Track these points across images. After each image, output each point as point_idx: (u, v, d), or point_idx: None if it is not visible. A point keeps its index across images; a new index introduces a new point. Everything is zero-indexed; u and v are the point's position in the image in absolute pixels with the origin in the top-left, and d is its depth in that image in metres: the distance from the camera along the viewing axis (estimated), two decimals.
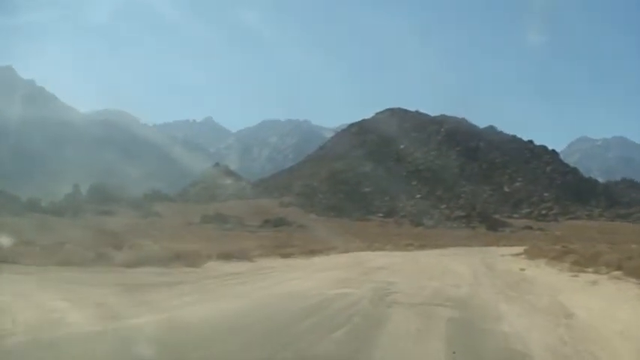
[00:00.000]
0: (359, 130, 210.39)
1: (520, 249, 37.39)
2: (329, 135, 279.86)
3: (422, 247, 49.17)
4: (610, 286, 11.49)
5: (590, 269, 15.20)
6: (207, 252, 21.08)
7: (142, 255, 17.37)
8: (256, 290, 11.05)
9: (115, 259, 16.35)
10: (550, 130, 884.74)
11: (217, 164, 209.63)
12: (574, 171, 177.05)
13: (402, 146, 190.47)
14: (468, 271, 18.06)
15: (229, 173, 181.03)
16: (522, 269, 17.92)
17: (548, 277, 14.46)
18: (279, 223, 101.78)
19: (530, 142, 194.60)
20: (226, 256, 20.50)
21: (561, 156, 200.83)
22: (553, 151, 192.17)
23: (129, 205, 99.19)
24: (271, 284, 12.53)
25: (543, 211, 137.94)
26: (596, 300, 9.43)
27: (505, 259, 27.27)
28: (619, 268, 13.87)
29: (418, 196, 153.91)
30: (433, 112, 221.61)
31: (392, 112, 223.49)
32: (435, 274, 16.55)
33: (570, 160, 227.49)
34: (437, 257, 29.59)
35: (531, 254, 27.71)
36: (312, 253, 30.66)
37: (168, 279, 12.64)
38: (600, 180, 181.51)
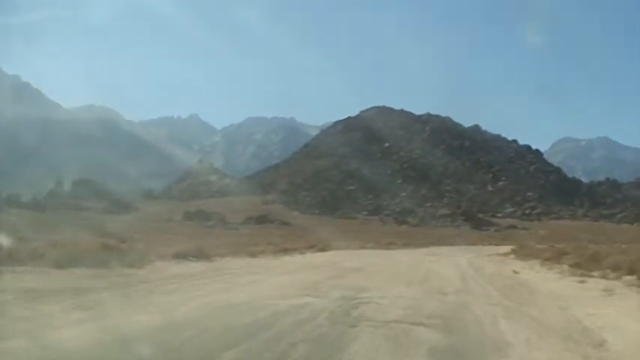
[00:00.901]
0: (344, 127, 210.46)
1: (507, 248, 36.13)
2: (314, 132, 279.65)
3: (405, 245, 47.48)
4: (633, 296, 9.37)
5: (595, 273, 13.16)
6: (164, 250, 18.74)
7: (78, 254, 14.92)
8: (191, 300, 8.71)
9: (46, 256, 13.89)
10: (534, 130, 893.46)
11: (202, 161, 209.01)
12: (558, 171, 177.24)
13: (387, 144, 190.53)
14: (454, 273, 15.90)
15: (214, 170, 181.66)
16: (516, 272, 15.74)
17: (549, 283, 12.26)
18: (262, 220, 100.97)
19: (515, 141, 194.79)
20: (183, 255, 18.10)
21: (545, 156, 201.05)
22: (537, 150, 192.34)
23: (111, 202, 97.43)
24: (215, 291, 10.18)
25: (527, 211, 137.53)
26: (625, 318, 7.23)
27: (493, 259, 25.20)
28: (631, 272, 11.82)
29: (403, 194, 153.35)
30: (418, 110, 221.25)
31: (377, 109, 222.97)
32: (416, 277, 14.34)
33: (554, 160, 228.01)
34: (420, 257, 27.56)
35: (521, 254, 25.76)
36: (286, 251, 28.59)
37: (89, 283, 10.24)
38: (584, 180, 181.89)
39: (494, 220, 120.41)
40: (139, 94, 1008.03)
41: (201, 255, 19.14)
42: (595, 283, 11.45)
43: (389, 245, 46.01)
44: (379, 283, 12.46)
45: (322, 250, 32.65)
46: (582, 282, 11.92)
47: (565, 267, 15.55)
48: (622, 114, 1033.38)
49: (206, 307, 7.86)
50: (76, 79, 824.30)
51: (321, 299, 9.12)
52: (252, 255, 23.66)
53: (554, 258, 18.28)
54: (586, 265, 14.63)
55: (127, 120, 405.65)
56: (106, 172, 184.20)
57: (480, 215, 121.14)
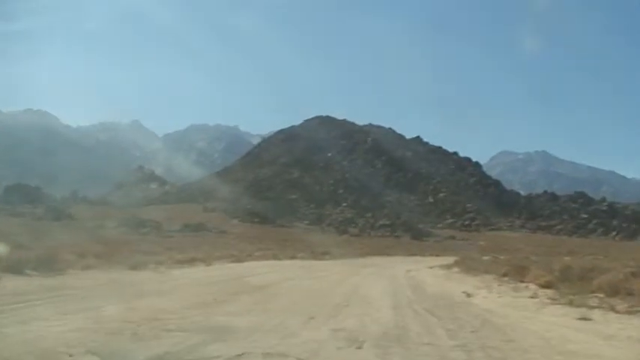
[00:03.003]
0: (287, 137, 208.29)
1: (449, 260, 33.19)
2: (257, 141, 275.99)
3: (340, 256, 43.47)
4: None
5: (590, 299, 9.05)
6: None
7: None
8: None
9: None
10: (474, 142, 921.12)
11: (141, 167, 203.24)
12: (496, 183, 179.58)
13: (329, 154, 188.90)
14: (386, 295, 11.64)
15: (154, 177, 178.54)
16: (468, 294, 11.46)
17: (533, 321, 7.70)
18: (198, 228, 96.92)
19: (455, 153, 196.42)
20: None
21: (484, 169, 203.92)
22: (477, 163, 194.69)
23: (44, 207, 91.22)
24: None
25: (466, 222, 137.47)
26: None
27: (436, 273, 21.17)
28: None
29: (344, 204, 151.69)
30: (361, 121, 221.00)
31: (320, 119, 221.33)
32: (331, 303, 9.90)
33: (492, 173, 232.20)
34: (352, 270, 23.51)
35: (466, 268, 21.93)
36: (193, 262, 23.81)
37: None
38: (522, 193, 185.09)
39: (435, 230, 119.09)
40: (79, 99, 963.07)
41: (51, 265, 14.02)
42: (609, 323, 7.20)
43: (323, 255, 41.82)
44: (267, 315, 7.92)
45: (240, 260, 28.01)
46: (584, 320, 7.48)
47: (533, 287, 11.58)
48: (560, 128, 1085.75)
49: None
50: (13, 82, 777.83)
51: None
52: (140, 266, 18.80)
53: (513, 274, 14.33)
54: (563, 285, 10.67)
55: (64, 125, 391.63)
56: (41, 177, 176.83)
57: (420, 226, 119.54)
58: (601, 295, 9.20)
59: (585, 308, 8.19)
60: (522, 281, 12.89)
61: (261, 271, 20.68)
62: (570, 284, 10.79)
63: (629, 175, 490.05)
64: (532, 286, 11.74)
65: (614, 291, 9.10)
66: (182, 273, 17.86)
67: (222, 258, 28.67)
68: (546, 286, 11.18)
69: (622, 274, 9.95)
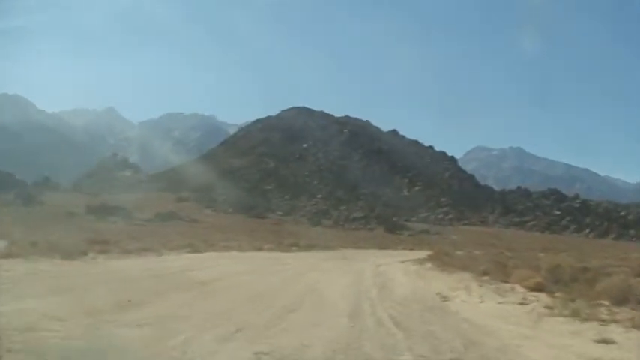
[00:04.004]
0: (264, 126, 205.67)
1: (422, 254, 31.61)
2: (234, 131, 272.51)
3: (309, 247, 41.71)
4: None
5: (593, 306, 7.29)
6: None
7: None
8: None
9: None
10: (449, 137, 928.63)
11: (115, 155, 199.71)
12: (471, 178, 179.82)
13: (305, 145, 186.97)
14: (347, 295, 9.77)
15: (128, 165, 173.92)
16: (443, 297, 9.60)
17: (536, 344, 5.57)
18: (169, 217, 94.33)
19: (431, 147, 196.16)
20: None
21: (459, 163, 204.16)
22: (452, 157, 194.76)
23: (14, 194, 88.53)
24: None
25: (440, 216, 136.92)
26: None
27: (407, 268, 19.38)
28: None
29: (319, 196, 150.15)
30: (338, 112, 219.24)
31: (297, 110, 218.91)
32: (275, 307, 7.96)
33: (467, 168, 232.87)
34: (316, 263, 21.72)
35: (441, 263, 20.22)
36: (143, 251, 21.98)
37: None
38: (495, 188, 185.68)
39: (409, 224, 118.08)
40: (54, 84, 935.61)
41: None
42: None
43: (290, 247, 39.93)
44: (180, 326, 5.94)
45: (199, 251, 25.86)
46: (613, 343, 5.40)
47: (520, 289, 9.82)
48: (535, 126, 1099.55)
49: None
50: None
51: None
52: (77, 256, 16.82)
53: (493, 272, 12.57)
54: (555, 287, 8.92)
55: (39, 110, 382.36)
56: (14, 163, 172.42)
57: (395, 219, 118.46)
58: (606, 303, 7.49)
59: (597, 323, 6.42)
60: (506, 281, 11.13)
61: (215, 263, 18.72)
62: (565, 287, 9.08)
63: (603, 173, 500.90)
64: (519, 289, 9.98)
65: (622, 298, 7.40)
66: (120, 264, 15.73)
67: (180, 248, 26.57)
68: (536, 288, 9.44)
69: (626, 278, 8.20)
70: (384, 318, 7.27)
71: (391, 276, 15.84)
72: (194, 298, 8.55)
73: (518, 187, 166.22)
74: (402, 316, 7.43)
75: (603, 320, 6.50)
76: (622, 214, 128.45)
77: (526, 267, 12.12)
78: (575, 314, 6.93)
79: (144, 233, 41.69)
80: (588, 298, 7.92)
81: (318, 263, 22.30)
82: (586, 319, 6.63)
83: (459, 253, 32.02)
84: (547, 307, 7.62)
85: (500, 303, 8.50)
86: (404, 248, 52.71)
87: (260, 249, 34.86)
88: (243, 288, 10.79)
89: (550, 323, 6.69)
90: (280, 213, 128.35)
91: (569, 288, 8.86)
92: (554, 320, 6.82)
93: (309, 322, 6.56)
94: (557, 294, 8.74)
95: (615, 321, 6.46)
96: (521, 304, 8.28)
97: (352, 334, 5.96)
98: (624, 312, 6.93)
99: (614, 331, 6.07)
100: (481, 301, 8.78)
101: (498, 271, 12.39)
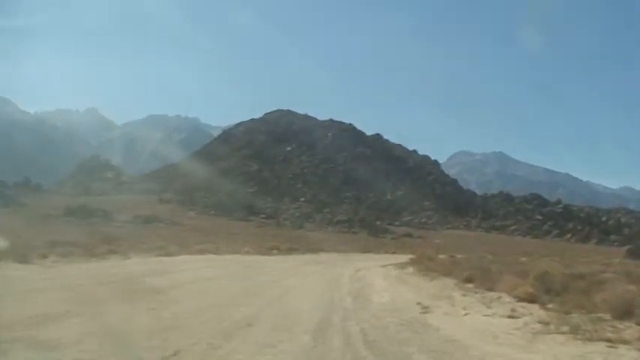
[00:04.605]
0: (247, 129, 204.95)
1: (404, 258, 31.10)
2: (218, 133, 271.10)
3: (290, 251, 40.82)
4: None
5: (594, 320, 6.34)
6: None
7: None
8: None
9: None
10: (433, 141, 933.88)
11: (97, 156, 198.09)
12: (454, 182, 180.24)
13: (289, 148, 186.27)
14: (317, 306, 8.72)
15: (110, 167, 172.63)
16: (424, 308, 8.60)
17: None
18: (150, 219, 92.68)
19: (415, 151, 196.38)
20: None
21: (442, 167, 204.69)
22: (435, 161, 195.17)
23: None
24: None
25: (423, 220, 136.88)
26: None
27: (388, 274, 18.43)
28: None
29: (302, 199, 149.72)
30: (322, 116, 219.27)
31: (281, 113, 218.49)
32: (229, 321, 6.91)
33: (450, 172, 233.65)
34: (292, 267, 20.74)
35: (423, 268, 19.35)
36: (109, 254, 20.88)
37: None
38: (478, 192, 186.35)
39: (392, 227, 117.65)
40: (37, 84, 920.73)
41: None
42: None
43: (270, 250, 38.77)
44: (106, 347, 4.86)
45: (170, 254, 24.58)
46: None
47: (507, 299, 8.89)
48: (517, 130, 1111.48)
49: None
50: None
51: None
52: (33, 259, 15.77)
53: (478, 279, 11.66)
54: (547, 297, 8.00)
55: (21, 110, 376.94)
56: None
57: (378, 222, 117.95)
58: (607, 317, 6.59)
59: (604, 344, 5.44)
60: (491, 289, 10.22)
61: (184, 267, 17.60)
62: (557, 298, 8.17)
63: (585, 178, 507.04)
64: (506, 298, 9.05)
65: (625, 311, 6.50)
66: (76, 268, 14.52)
67: (152, 250, 25.32)
68: (526, 298, 8.52)
69: (628, 288, 7.31)
70: (355, 335, 6.26)
71: (370, 281, 14.87)
72: (135, 310, 7.44)
73: (500, 192, 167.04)
74: (375, 333, 6.43)
75: (609, 340, 5.53)
76: (604, 219, 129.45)
77: (511, 273, 11.23)
78: (575, 331, 5.95)
79: (119, 235, 40.22)
80: (586, 310, 7.01)
81: (297, 268, 21.34)
82: (589, 339, 5.65)
83: (441, 257, 31.22)
84: (541, 322, 6.65)
85: (486, 316, 7.52)
86: (386, 252, 52.10)
87: (237, 252, 33.73)
88: (204, 297, 9.70)
89: (547, 343, 5.71)
90: (263, 216, 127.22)
91: (562, 298, 7.96)
92: (551, 339, 5.84)
93: (263, 343, 5.53)
94: (549, 305, 7.82)
95: (624, 341, 5.50)
96: (510, 317, 7.31)
97: (311, 359, 4.95)
98: (631, 329, 5.99)
99: (626, 356, 5.11)
100: (465, 314, 7.82)
101: (483, 278, 11.47)
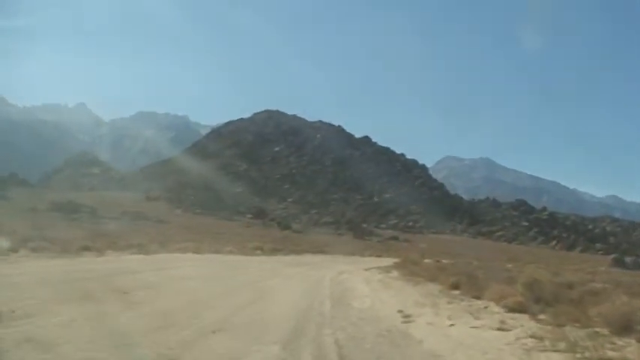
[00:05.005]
0: (236, 128, 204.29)
1: (389, 261, 31.14)
2: (207, 132, 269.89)
3: (274, 252, 40.14)
4: None
5: (592, 337, 5.78)
6: None
7: None
8: None
9: None
10: (422, 146, 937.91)
11: (85, 152, 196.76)
12: (441, 187, 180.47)
13: (277, 149, 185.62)
14: (293, 311, 8.12)
15: (97, 163, 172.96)
16: (406, 317, 7.99)
17: None
18: (136, 216, 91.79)
19: (402, 155, 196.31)
20: None
21: (430, 172, 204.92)
22: (423, 165, 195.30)
23: None
24: None
25: (410, 223, 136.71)
26: None
27: (371, 277, 17.86)
28: None
29: (290, 199, 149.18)
30: (312, 117, 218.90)
31: (269, 113, 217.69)
32: (193, 328, 6.28)
33: (437, 177, 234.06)
34: (273, 269, 20.19)
35: (407, 272, 18.85)
36: (83, 250, 20.64)
37: None
38: (465, 198, 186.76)
39: (378, 230, 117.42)
40: (26, 78, 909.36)
41: None
42: None
43: (254, 251, 38.08)
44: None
45: (148, 252, 23.85)
46: None
47: (496, 308, 8.36)
48: (505, 137, 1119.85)
49: None
50: None
51: None
52: (2, 253, 14.98)
53: (464, 285, 11.11)
54: (537, 307, 7.47)
55: (9, 103, 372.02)
56: None
57: (364, 225, 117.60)
58: (604, 332, 6.05)
59: None
60: (478, 297, 9.69)
61: (160, 266, 16.91)
62: (549, 308, 7.64)
63: (571, 186, 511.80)
64: (494, 308, 8.50)
65: (623, 325, 5.97)
66: (44, 264, 13.80)
67: (129, 248, 24.59)
68: (515, 309, 7.99)
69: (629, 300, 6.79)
70: (328, 347, 5.67)
71: (352, 285, 14.30)
72: (93, 313, 6.76)
73: (487, 198, 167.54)
74: (351, 344, 5.84)
75: None
76: (589, 227, 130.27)
77: (498, 280, 10.72)
78: (573, 349, 5.38)
79: (102, 232, 39.29)
80: (581, 324, 6.48)
81: (278, 269, 20.73)
82: (589, 358, 5.11)
83: (427, 261, 30.79)
84: (534, 336, 6.06)
85: (474, 327, 6.92)
86: (371, 255, 51.56)
87: (219, 252, 33.02)
88: (173, 299, 9.05)
89: None
90: (250, 216, 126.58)
91: (554, 309, 7.42)
92: (546, 358, 5.28)
93: (227, 355, 4.91)
94: (541, 317, 7.28)
95: None
96: (500, 329, 6.72)
97: None
98: (631, 346, 5.47)
99: None
100: (451, 324, 7.23)
101: (470, 285, 10.94)
